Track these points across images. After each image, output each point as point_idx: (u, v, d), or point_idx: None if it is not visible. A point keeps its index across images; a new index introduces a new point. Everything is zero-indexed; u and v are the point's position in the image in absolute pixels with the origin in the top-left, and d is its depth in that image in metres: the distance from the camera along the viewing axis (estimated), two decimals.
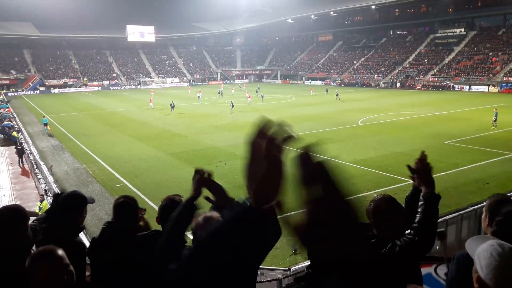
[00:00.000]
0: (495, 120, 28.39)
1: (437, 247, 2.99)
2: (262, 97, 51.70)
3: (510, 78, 58.66)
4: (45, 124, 33.42)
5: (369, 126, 31.18)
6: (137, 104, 50.02)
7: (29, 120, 39.95)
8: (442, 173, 17.69)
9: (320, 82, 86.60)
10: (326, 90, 61.33)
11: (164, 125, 34.13)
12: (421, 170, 2.67)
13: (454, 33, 77.05)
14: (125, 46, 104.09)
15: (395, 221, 2.68)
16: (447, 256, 2.97)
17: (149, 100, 48.36)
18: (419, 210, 2.57)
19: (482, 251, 1.70)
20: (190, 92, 66.76)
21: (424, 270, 3.03)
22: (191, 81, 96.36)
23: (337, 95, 52.01)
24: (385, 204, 2.79)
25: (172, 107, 42.72)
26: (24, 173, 21.08)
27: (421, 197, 2.61)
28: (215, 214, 2.55)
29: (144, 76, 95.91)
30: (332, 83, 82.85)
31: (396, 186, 15.99)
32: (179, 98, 54.29)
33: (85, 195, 3.44)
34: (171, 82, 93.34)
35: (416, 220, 2.56)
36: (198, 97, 53.84)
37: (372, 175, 18.26)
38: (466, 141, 24.65)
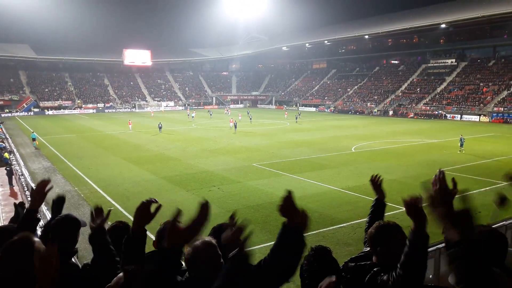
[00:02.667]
0: (461, 145, 31.06)
1: (430, 276, 2.95)
2: (250, 119, 58.24)
3: (500, 108, 59.60)
4: (33, 139, 36.02)
5: (363, 153, 31.33)
6: (132, 127, 49.95)
7: (21, 142, 39.72)
8: None
9: (314, 108, 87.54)
10: (296, 117, 60.63)
11: (158, 149, 34.05)
12: (413, 205, 2.28)
13: (446, 64, 78.74)
14: (121, 70, 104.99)
15: (397, 248, 2.46)
16: (439, 285, 2.90)
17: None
18: (405, 251, 2.26)
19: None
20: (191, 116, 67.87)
21: None
22: (187, 105, 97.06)
23: (296, 118, 58.95)
24: (389, 230, 2.71)
25: (160, 127, 45.37)
26: (13, 194, 20.81)
27: (408, 237, 2.29)
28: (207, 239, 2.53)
29: (140, 100, 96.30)
30: (326, 110, 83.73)
31: (389, 213, 15.95)
32: (176, 122, 54.42)
33: (79, 218, 3.41)
34: (167, 106, 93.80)
35: (400, 262, 2.28)
36: (193, 116, 63.49)
37: (365, 202, 18.21)
38: (458, 169, 24.79)
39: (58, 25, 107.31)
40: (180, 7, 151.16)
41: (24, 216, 3.24)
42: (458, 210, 1.80)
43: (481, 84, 67.61)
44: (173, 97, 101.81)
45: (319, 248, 2.54)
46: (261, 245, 12.14)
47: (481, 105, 62.55)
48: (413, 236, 2.24)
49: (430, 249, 8.26)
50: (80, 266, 3.69)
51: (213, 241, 2.41)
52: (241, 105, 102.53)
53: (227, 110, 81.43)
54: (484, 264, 1.64)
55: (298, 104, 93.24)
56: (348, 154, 31.03)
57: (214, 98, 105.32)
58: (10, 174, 22.75)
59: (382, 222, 2.84)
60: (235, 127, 45.85)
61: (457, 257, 1.63)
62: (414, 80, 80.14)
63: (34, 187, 3.15)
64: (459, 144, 31.46)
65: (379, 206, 3.76)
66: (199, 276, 2.23)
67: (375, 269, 2.61)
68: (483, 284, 1.58)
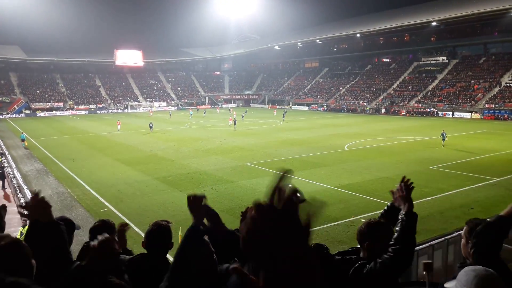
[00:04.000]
0: (443, 140, 32.58)
1: (424, 272, 2.98)
2: (242, 116, 60.34)
3: (491, 105, 60.10)
4: (23, 140, 36.91)
5: (355, 151, 31.46)
6: (125, 128, 49.74)
7: (13, 144, 39.37)
8: (427, 198, 17.84)
9: (307, 107, 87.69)
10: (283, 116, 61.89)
11: (151, 149, 33.93)
12: (402, 190, 2.89)
13: (437, 61, 79.25)
14: (113, 70, 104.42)
15: (384, 244, 2.68)
16: (431, 281, 2.97)
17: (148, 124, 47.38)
18: (397, 228, 2.66)
19: (460, 275, 1.95)
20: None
21: None
22: (179, 105, 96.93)
23: (283, 116, 60.60)
24: (378, 227, 2.85)
25: (151, 127, 45.82)
26: (6, 197, 20.63)
27: (400, 216, 2.73)
28: None
29: (132, 100, 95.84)
30: (319, 109, 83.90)
31: (382, 211, 16.03)
32: (169, 122, 54.21)
33: (73, 220, 3.40)
34: (159, 106, 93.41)
35: (394, 237, 2.62)
36: (191, 114, 67.99)
37: (358, 199, 18.31)
38: (450, 166, 24.98)
39: (48, 25, 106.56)
40: (171, 7, 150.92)
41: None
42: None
43: (472, 81, 68.13)
44: (165, 97, 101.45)
45: (315, 246, 2.56)
46: None
47: (473, 102, 63.05)
48: (407, 216, 2.69)
49: (437, 241, 8.38)
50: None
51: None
52: (234, 105, 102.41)
53: (218, 110, 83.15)
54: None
55: (290, 103, 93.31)
56: (341, 152, 31.13)
57: (206, 98, 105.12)
58: (2, 177, 22.54)
59: (373, 220, 3.01)
60: (235, 124, 48.36)
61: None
62: (406, 78, 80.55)
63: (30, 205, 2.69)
64: (441, 139, 32.86)
65: (410, 218, 2.86)
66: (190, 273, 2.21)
67: (360, 262, 2.71)
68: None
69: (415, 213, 2.73)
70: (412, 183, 2.96)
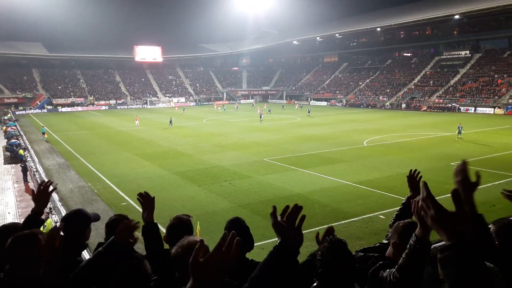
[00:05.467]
0: (459, 133, 33.41)
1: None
2: (269, 111, 62.57)
3: None
4: (43, 133, 39.47)
5: (375, 147, 31.12)
6: (144, 123, 50.30)
7: (35, 138, 40.24)
8: (448, 195, 17.46)
9: (326, 102, 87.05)
10: (301, 106, 63.52)
11: (169, 144, 34.24)
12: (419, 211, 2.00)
13: (459, 55, 77.53)
14: (133, 66, 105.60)
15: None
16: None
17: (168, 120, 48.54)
18: (404, 254, 2.19)
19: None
20: (220, 110, 73.57)
21: None
22: (198, 100, 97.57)
23: (308, 111, 61.22)
24: (411, 228, 2.69)
25: (171, 122, 47.33)
26: (28, 190, 21.14)
27: (411, 239, 2.15)
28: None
29: (151, 96, 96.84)
30: (338, 104, 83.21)
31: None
32: (189, 118, 54.61)
33: (89, 213, 3.45)
34: (178, 102, 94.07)
35: (398, 263, 2.23)
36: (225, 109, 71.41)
37: (377, 196, 18.12)
38: (472, 162, 24.35)
39: (69, 22, 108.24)
40: (190, 3, 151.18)
41: (28, 218, 3.29)
42: (451, 211, 1.64)
43: (496, 76, 66.46)
44: (184, 93, 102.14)
45: (334, 240, 2.52)
46: (271, 240, 12.15)
47: (496, 97, 61.55)
48: (415, 241, 2.11)
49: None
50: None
51: (201, 240, 2.27)
52: (252, 100, 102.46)
53: (237, 106, 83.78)
54: (480, 267, 1.49)
55: (309, 98, 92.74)
56: (360, 148, 30.84)
57: (224, 94, 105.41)
58: (25, 170, 23.11)
59: (413, 221, 2.69)
60: (260, 117, 51.71)
61: (450, 262, 1.50)
62: (427, 72, 79.13)
63: (35, 190, 3.18)
64: (457, 132, 33.73)
65: (408, 206, 3.32)
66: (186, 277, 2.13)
67: (380, 262, 2.63)
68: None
69: (429, 242, 2.12)
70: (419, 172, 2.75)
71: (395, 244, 2.74)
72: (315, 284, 2.44)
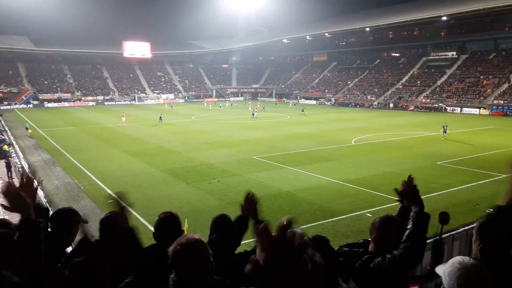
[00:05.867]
0: (444, 132, 34.19)
1: (428, 267, 2.98)
2: (263, 108, 62.85)
3: (500, 101, 59.51)
4: (27, 129, 39.10)
5: (362, 145, 31.34)
6: (132, 120, 49.94)
7: (20, 134, 39.67)
8: (434, 194, 17.76)
9: (315, 101, 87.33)
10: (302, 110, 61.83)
11: (158, 141, 34.04)
12: (408, 192, 2.73)
13: (446, 56, 78.52)
14: (121, 62, 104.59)
15: (396, 241, 2.67)
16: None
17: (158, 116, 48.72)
18: (408, 226, 2.61)
19: (447, 265, 1.87)
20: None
21: None
22: (187, 97, 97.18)
23: (302, 110, 60.44)
24: (390, 223, 2.83)
25: (160, 119, 47.21)
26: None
27: (411, 215, 2.64)
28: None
29: (139, 92, 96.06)
30: (327, 103, 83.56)
31: (388, 205, 16.00)
32: (178, 115, 54.46)
33: (79, 213, 3.40)
34: (167, 98, 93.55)
35: (406, 234, 2.59)
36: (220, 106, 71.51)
37: (365, 194, 18.27)
38: (457, 162, 24.81)
39: (57, 17, 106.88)
40: None
41: (21, 229, 2.47)
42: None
43: (482, 77, 67.42)
44: (173, 90, 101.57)
45: (316, 237, 2.56)
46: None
47: (481, 98, 62.44)
48: (418, 215, 2.61)
49: (442, 236, 8.32)
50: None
51: (200, 238, 2.24)
52: (241, 98, 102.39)
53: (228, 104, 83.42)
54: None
55: (298, 97, 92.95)
56: (348, 147, 31.04)
57: (214, 91, 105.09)
58: (8, 166, 22.77)
59: (388, 215, 2.97)
60: (253, 115, 53.11)
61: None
62: (415, 72, 79.92)
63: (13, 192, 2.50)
64: (442, 131, 34.39)
65: (422, 218, 2.83)
66: (186, 277, 2.08)
67: (367, 256, 2.72)
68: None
69: (428, 214, 2.68)
70: (415, 185, 2.82)
71: (375, 239, 2.86)
72: None
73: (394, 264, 2.50)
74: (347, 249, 3.00)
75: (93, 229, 3.78)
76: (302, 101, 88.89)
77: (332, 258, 2.48)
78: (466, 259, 1.87)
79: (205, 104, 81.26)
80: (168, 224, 3.13)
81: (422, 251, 2.70)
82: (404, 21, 77.43)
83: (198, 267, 2.08)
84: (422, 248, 2.66)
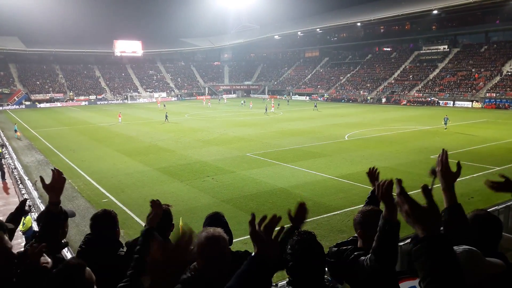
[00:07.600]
0: (445, 123, 35.77)
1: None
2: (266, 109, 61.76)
3: (492, 94, 59.92)
4: (15, 131, 38.45)
5: (356, 141, 31.43)
6: (125, 119, 49.69)
7: (13, 135, 39.35)
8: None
9: (307, 97, 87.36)
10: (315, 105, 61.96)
11: (151, 140, 33.93)
12: (383, 194, 2.28)
13: (438, 50, 78.87)
14: (113, 61, 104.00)
15: (375, 232, 2.58)
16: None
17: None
18: (376, 237, 2.36)
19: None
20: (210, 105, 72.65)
21: (409, 284, 3.04)
22: (179, 95, 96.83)
23: (315, 105, 60.64)
24: (373, 215, 2.81)
25: (166, 117, 47.20)
26: (5, 189, 20.67)
27: (380, 222, 2.34)
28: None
29: (132, 91, 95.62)
30: (319, 99, 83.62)
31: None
32: (173, 113, 54.15)
33: (66, 209, 3.41)
34: (159, 97, 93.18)
35: (373, 246, 2.40)
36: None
37: (359, 189, 18.33)
38: (451, 155, 24.54)
39: (47, 17, 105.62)
40: None
41: (47, 216, 3.15)
42: (424, 206, 1.68)
43: (473, 70, 67.83)
44: (165, 88, 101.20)
45: (302, 232, 2.55)
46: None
47: (474, 91, 62.82)
48: (383, 223, 2.28)
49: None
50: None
51: (222, 232, 2.34)
52: (234, 95, 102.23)
53: (225, 100, 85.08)
54: (451, 260, 1.55)
55: (291, 93, 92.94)
56: (341, 142, 31.12)
57: (206, 88, 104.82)
58: (1, 168, 22.56)
59: (368, 207, 3.01)
60: (266, 110, 55.26)
61: (422, 254, 1.56)
62: (407, 67, 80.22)
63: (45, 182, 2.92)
64: (443, 123, 35.93)
65: (373, 199, 3.57)
66: (207, 273, 2.12)
67: (355, 253, 2.74)
68: (449, 280, 1.50)
69: (397, 222, 2.30)
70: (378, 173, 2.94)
71: (360, 234, 2.89)
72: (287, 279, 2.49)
73: (371, 269, 2.43)
74: (336, 249, 3.02)
75: (87, 229, 3.78)
76: (295, 97, 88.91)
77: (319, 253, 2.46)
78: (460, 247, 1.89)
79: (204, 102, 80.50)
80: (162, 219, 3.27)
81: (393, 258, 2.46)
82: (395, 16, 77.60)
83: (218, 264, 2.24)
84: (391, 257, 2.43)
